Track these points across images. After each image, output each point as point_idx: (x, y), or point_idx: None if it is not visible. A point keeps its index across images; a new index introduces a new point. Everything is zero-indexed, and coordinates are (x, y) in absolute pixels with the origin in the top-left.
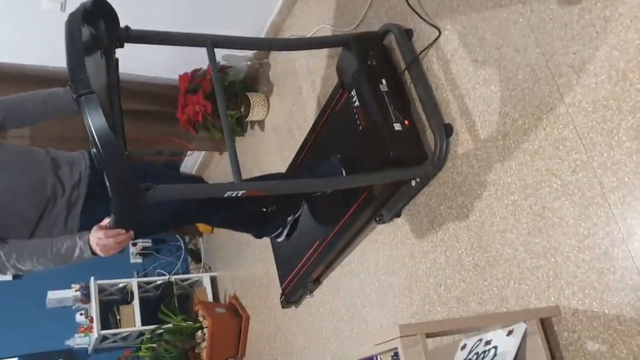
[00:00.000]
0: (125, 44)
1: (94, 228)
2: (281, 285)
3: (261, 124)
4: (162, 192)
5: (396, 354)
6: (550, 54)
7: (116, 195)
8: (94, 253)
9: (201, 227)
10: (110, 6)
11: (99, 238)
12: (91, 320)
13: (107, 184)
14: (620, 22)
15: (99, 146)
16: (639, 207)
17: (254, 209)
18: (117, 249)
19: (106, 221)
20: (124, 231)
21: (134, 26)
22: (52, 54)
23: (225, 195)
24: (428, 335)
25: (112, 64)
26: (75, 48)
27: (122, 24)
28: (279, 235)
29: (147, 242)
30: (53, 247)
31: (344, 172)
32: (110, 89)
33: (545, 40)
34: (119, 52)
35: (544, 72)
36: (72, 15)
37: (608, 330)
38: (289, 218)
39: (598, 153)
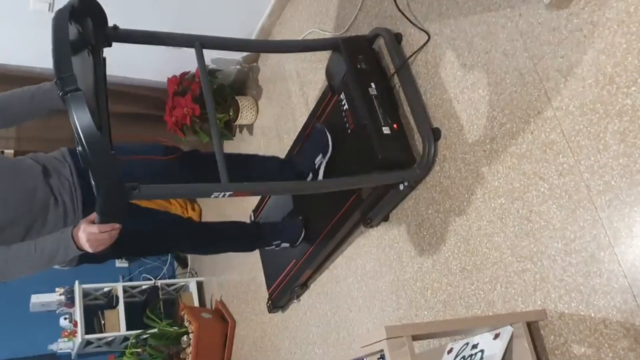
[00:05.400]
0: (114, 44)
1: (84, 223)
2: (268, 290)
3: (250, 127)
4: (147, 192)
5: (382, 356)
6: (538, 58)
7: (101, 195)
8: (79, 248)
9: None
10: (98, 4)
11: (91, 233)
12: (75, 325)
13: (92, 182)
14: (608, 26)
15: (85, 144)
16: (625, 210)
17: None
18: (108, 244)
19: (93, 215)
20: (117, 225)
21: (122, 26)
22: (40, 55)
23: (212, 196)
24: (414, 338)
25: (99, 63)
26: (62, 45)
27: (110, 23)
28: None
29: None
30: (37, 247)
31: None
32: (97, 88)
33: (534, 44)
34: (107, 53)
35: (532, 76)
36: (59, 12)
37: (594, 334)
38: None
39: (585, 156)
